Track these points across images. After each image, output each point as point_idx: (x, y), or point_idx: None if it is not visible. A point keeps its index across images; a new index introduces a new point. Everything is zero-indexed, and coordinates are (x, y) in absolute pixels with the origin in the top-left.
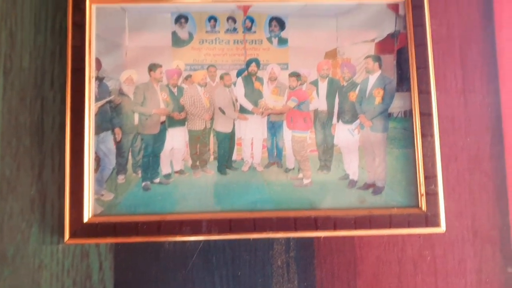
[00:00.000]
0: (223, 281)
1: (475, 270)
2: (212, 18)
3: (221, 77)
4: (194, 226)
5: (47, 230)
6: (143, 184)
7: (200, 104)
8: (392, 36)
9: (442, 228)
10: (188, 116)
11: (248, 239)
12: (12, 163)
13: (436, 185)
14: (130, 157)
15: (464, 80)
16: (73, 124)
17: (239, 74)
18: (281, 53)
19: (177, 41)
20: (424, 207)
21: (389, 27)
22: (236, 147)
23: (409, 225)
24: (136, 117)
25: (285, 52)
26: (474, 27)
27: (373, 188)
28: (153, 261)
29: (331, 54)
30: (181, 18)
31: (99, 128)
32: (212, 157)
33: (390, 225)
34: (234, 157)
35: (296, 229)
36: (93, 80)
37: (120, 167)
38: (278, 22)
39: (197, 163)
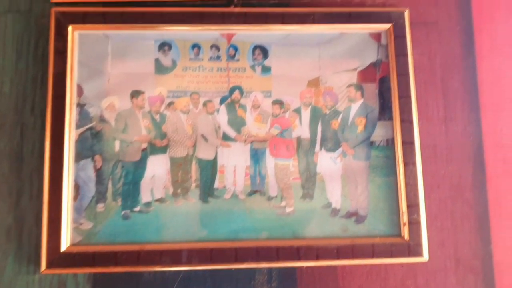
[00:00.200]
0: None
1: None
2: (196, 46)
3: (204, 104)
4: (175, 256)
5: (23, 259)
6: (123, 212)
7: (183, 131)
8: (374, 65)
9: (425, 257)
10: (170, 143)
11: (230, 269)
12: None
13: (418, 214)
14: (110, 185)
15: (446, 109)
16: (52, 151)
17: (222, 101)
18: (264, 81)
19: (160, 68)
20: (406, 236)
21: (371, 56)
22: (218, 174)
23: (392, 254)
24: (117, 144)
25: (268, 80)
26: (455, 57)
27: (356, 216)
28: None
29: (314, 83)
30: (164, 46)
31: (79, 155)
32: (193, 185)
33: (372, 255)
34: (216, 184)
35: (278, 259)
36: (74, 106)
37: (100, 195)
38: (262, 51)
39: (179, 191)
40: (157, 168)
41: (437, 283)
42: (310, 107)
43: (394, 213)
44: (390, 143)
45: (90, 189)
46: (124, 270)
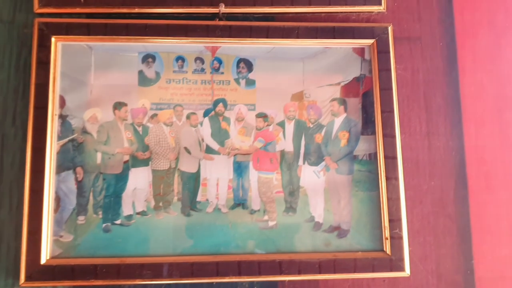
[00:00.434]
0: None
1: None
2: (180, 58)
3: (188, 117)
4: (156, 270)
5: (1, 272)
6: (104, 225)
7: (165, 144)
8: (357, 80)
9: (407, 272)
10: (153, 155)
11: (211, 283)
12: None
13: (400, 229)
14: (91, 197)
15: (429, 124)
16: (33, 162)
17: (206, 114)
18: (249, 94)
19: (143, 80)
20: (388, 251)
21: (355, 71)
22: (201, 187)
23: (374, 269)
24: (99, 156)
25: (253, 93)
26: (438, 72)
27: (338, 231)
28: None
29: (298, 96)
30: (148, 58)
31: (60, 167)
32: (176, 198)
33: (354, 269)
34: (199, 198)
35: (260, 273)
36: (56, 118)
37: (81, 208)
38: (246, 64)
39: (160, 204)
40: (139, 181)
41: None
42: (294, 120)
43: (376, 227)
44: (372, 158)
45: (71, 201)
46: (104, 283)
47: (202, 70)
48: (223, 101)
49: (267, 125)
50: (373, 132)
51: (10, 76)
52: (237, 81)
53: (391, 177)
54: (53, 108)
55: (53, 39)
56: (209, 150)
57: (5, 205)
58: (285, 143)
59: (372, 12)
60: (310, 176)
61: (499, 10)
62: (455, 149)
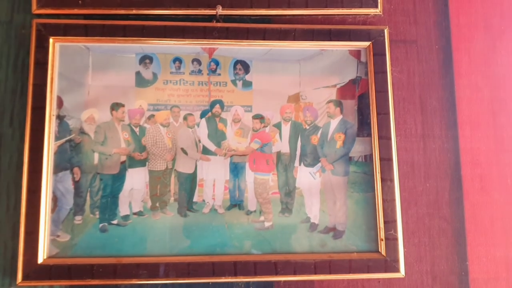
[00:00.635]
0: None
1: None
2: (177, 60)
3: (185, 118)
4: (152, 269)
5: None
6: (101, 225)
7: (162, 144)
8: (353, 82)
9: (402, 273)
10: (149, 156)
11: (207, 283)
12: None
13: (395, 230)
14: (88, 197)
15: (424, 126)
16: (31, 162)
17: (203, 115)
18: (245, 96)
19: (141, 81)
20: (383, 252)
21: (351, 73)
22: (197, 188)
23: (369, 270)
24: (96, 157)
25: (249, 95)
26: (434, 74)
27: (334, 232)
28: None
29: (294, 98)
30: (145, 59)
31: (58, 167)
32: (172, 198)
33: (349, 270)
34: (195, 198)
35: (256, 273)
36: (53, 118)
37: (78, 208)
38: (243, 66)
39: (157, 204)
40: (136, 181)
41: None
42: (290, 122)
43: (371, 228)
44: (368, 159)
45: (68, 201)
46: (101, 283)
47: (199, 71)
48: (220, 102)
49: (264, 127)
50: (369, 134)
51: (8, 77)
52: (234, 82)
53: (387, 178)
54: (51, 108)
55: (51, 40)
56: (205, 151)
57: (2, 205)
58: (282, 145)
59: (369, 14)
60: (306, 177)
61: (494, 14)
62: (450, 151)
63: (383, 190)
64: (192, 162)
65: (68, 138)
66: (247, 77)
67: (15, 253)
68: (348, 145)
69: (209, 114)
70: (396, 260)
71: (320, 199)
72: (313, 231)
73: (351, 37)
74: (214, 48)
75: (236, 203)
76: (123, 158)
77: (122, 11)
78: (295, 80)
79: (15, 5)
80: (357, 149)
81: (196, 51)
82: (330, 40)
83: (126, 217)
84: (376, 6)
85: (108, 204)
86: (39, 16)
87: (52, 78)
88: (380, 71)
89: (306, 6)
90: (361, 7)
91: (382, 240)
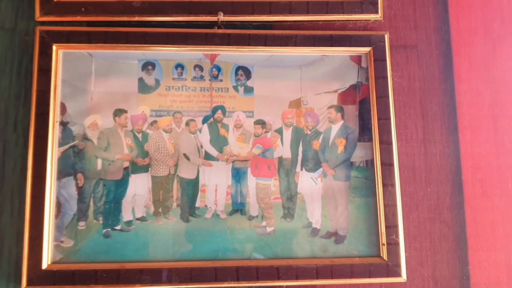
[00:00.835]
0: None
1: None
2: (179, 66)
3: (187, 124)
4: (155, 275)
5: (3, 277)
6: (104, 231)
7: (165, 150)
8: (354, 87)
9: (403, 277)
10: (152, 162)
11: None
12: None
13: (397, 234)
14: (91, 203)
15: (425, 131)
16: (35, 168)
17: (205, 120)
18: (247, 101)
19: (143, 87)
20: (385, 257)
21: (352, 79)
22: (199, 193)
23: (370, 274)
24: (99, 163)
25: (251, 100)
26: (434, 80)
27: (336, 236)
28: None
29: (295, 104)
30: (148, 65)
31: (61, 173)
32: (175, 204)
33: (351, 275)
34: (198, 203)
35: (258, 278)
36: (57, 124)
37: (81, 213)
38: (244, 71)
39: (160, 210)
40: (139, 187)
41: None
42: (291, 127)
43: (373, 233)
44: (369, 164)
45: (72, 207)
46: None
47: (201, 77)
48: (222, 108)
49: (265, 132)
50: (370, 139)
51: (11, 83)
52: (235, 88)
53: (388, 183)
54: (54, 115)
55: (54, 47)
56: (207, 156)
57: (6, 211)
58: (283, 150)
59: (369, 20)
60: (308, 183)
61: (494, 18)
62: (451, 155)
63: (384, 195)
64: (194, 168)
65: (71, 144)
66: (249, 83)
67: (20, 258)
68: (349, 150)
69: (211, 119)
70: (398, 265)
71: (321, 204)
72: (314, 236)
73: (352, 42)
74: (216, 54)
75: (238, 208)
76: (126, 164)
77: (125, 18)
78: (296, 85)
79: (19, 13)
80: (358, 154)
81: (198, 57)
82: (331, 45)
83: (129, 223)
84: (377, 12)
85: (111, 210)
86: (43, 23)
87: (55, 85)
88: (380, 76)
89: (307, 12)
90: (361, 12)
91: (384, 245)
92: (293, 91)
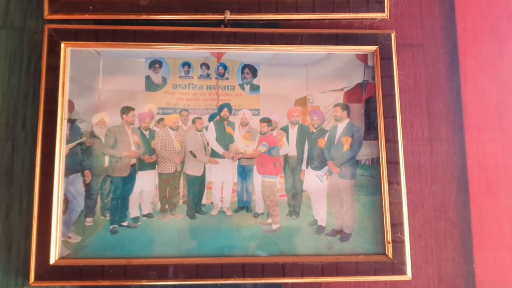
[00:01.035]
0: None
1: None
2: (186, 64)
3: (193, 121)
4: (161, 271)
5: (12, 272)
6: (111, 227)
7: (171, 147)
8: (360, 86)
9: (408, 275)
10: (159, 159)
11: (216, 285)
12: None
13: (402, 232)
14: (99, 199)
15: (431, 130)
16: (43, 165)
17: (211, 118)
18: (253, 99)
19: (150, 85)
20: (390, 255)
21: (358, 77)
22: (206, 190)
23: (376, 272)
24: (107, 160)
25: (257, 99)
26: (440, 78)
27: (341, 234)
28: None
29: (301, 102)
30: (155, 63)
31: (69, 170)
32: (181, 201)
33: (356, 273)
34: (204, 200)
35: (263, 275)
36: (65, 122)
37: (89, 210)
38: (251, 70)
39: (166, 206)
40: (146, 184)
41: None
42: (297, 125)
43: (378, 231)
44: (375, 162)
45: (79, 204)
46: (111, 284)
47: (208, 75)
48: (228, 106)
49: (271, 130)
50: (376, 137)
51: (20, 81)
52: (241, 86)
53: (393, 181)
54: (62, 112)
55: (62, 45)
56: (214, 154)
57: (15, 207)
58: (289, 148)
59: (375, 19)
60: (313, 180)
61: (501, 17)
62: (456, 154)
63: (390, 193)
64: (201, 165)
65: (79, 141)
66: (255, 81)
67: (28, 254)
68: (355, 148)
69: (217, 117)
70: (403, 263)
71: (327, 202)
72: (320, 233)
73: (358, 41)
74: (222, 53)
75: (244, 206)
76: (133, 161)
77: (132, 17)
78: (302, 84)
79: (28, 11)
80: (364, 152)
81: (205, 55)
82: (337, 44)
83: (136, 219)
84: (383, 11)
85: (118, 206)
86: (51, 21)
87: (63, 83)
88: (387, 75)
89: (313, 10)
90: (368, 11)
91: (389, 242)
92: (299, 89)
